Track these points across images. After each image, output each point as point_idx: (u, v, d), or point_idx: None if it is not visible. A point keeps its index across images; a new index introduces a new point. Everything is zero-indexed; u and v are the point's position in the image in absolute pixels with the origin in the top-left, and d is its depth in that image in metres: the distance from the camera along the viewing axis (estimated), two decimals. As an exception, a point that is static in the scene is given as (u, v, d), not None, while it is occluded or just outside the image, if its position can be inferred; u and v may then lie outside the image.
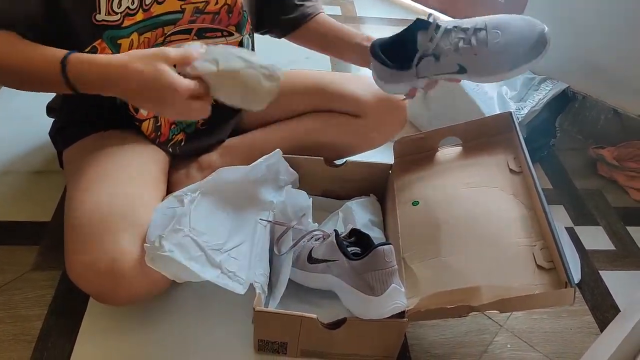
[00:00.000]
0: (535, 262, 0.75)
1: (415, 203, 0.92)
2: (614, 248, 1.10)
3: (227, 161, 1.00)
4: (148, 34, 0.81)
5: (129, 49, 0.79)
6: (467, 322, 0.91)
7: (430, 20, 0.80)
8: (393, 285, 0.74)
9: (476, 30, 0.78)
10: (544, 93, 1.24)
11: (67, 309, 0.87)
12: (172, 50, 0.69)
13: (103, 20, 0.74)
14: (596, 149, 1.31)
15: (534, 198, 0.82)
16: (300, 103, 1.03)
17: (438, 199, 0.90)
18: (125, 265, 0.71)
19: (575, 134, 1.41)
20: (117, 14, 0.75)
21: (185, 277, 0.75)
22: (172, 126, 0.94)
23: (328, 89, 1.02)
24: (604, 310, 0.96)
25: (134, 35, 0.78)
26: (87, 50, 0.75)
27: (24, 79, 0.73)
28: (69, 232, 0.75)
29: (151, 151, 0.91)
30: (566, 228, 1.13)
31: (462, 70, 0.80)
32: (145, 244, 0.72)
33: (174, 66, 0.69)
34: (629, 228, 1.15)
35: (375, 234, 0.95)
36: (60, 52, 0.69)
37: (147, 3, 0.78)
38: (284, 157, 0.97)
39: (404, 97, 0.90)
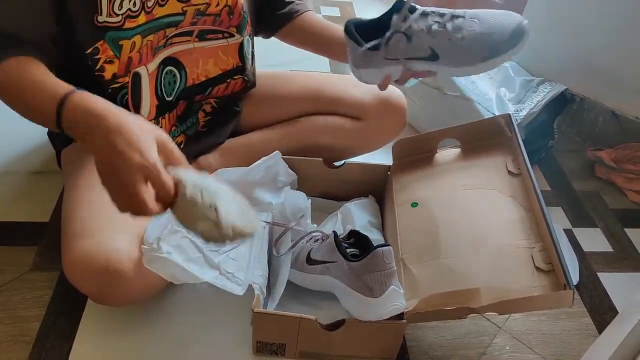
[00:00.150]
0: (534, 264, 0.75)
1: (414, 204, 0.92)
2: (612, 250, 1.10)
3: (225, 162, 1.00)
4: (151, 37, 0.81)
5: (130, 51, 0.79)
6: (466, 324, 0.91)
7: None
8: (392, 286, 0.74)
9: (453, 16, 0.77)
10: (543, 95, 1.24)
11: (66, 309, 0.87)
12: (170, 141, 0.63)
13: (105, 21, 0.74)
14: (594, 151, 1.31)
15: (532, 200, 0.82)
16: (300, 105, 1.03)
17: (437, 201, 0.90)
18: (123, 267, 0.71)
19: (573, 136, 1.41)
20: (118, 15, 0.75)
21: (183, 278, 0.75)
22: (173, 128, 0.94)
23: (328, 92, 1.02)
24: (602, 312, 0.97)
25: (137, 38, 0.78)
26: (89, 51, 0.75)
27: (27, 112, 0.70)
28: (66, 233, 0.75)
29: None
30: (564, 230, 1.13)
31: (434, 57, 0.78)
32: (142, 246, 0.72)
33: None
34: (627, 230, 1.15)
35: (374, 236, 0.95)
36: (62, 88, 0.65)
37: (149, 5, 0.78)
38: (282, 159, 0.97)
39: (379, 88, 0.87)
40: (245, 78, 0.99)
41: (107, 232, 0.73)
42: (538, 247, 0.76)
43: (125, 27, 0.76)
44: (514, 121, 0.92)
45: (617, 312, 0.96)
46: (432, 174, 0.96)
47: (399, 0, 0.78)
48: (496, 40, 0.74)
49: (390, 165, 1.01)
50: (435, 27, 0.76)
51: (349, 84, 1.02)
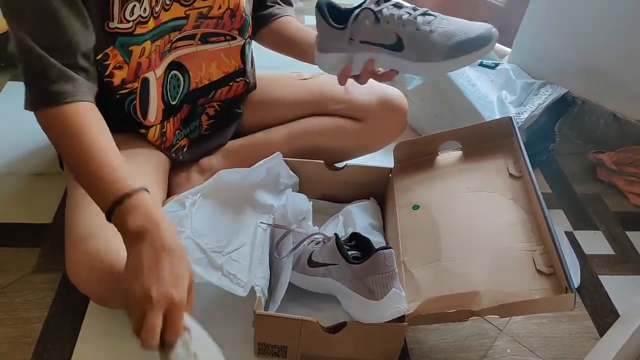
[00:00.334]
0: (535, 267, 0.75)
1: (415, 207, 0.92)
2: (613, 253, 1.10)
3: (227, 164, 1.00)
4: (158, 42, 0.82)
5: (140, 56, 0.79)
6: (467, 327, 0.91)
7: None
8: (393, 289, 0.75)
9: (426, 13, 0.77)
10: (544, 97, 1.24)
11: (68, 311, 0.87)
12: (192, 286, 0.63)
13: (116, 27, 0.74)
14: (595, 154, 1.31)
15: (533, 203, 0.82)
16: (301, 107, 1.03)
17: (438, 203, 0.90)
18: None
19: (574, 139, 1.41)
20: (129, 21, 0.75)
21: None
22: (177, 132, 0.94)
23: (329, 94, 1.02)
24: (603, 315, 0.97)
25: (147, 43, 0.79)
26: (99, 57, 0.75)
27: (81, 172, 0.69)
28: (69, 235, 0.75)
29: (152, 154, 0.91)
30: (565, 232, 1.13)
31: (399, 46, 0.77)
32: None
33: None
34: (628, 233, 1.15)
35: (376, 238, 0.95)
36: (123, 187, 0.64)
37: (156, 10, 0.78)
38: (284, 161, 0.97)
39: (339, 79, 0.85)
40: (247, 80, 0.99)
41: (112, 234, 0.72)
42: (539, 250, 0.77)
43: (136, 32, 0.76)
44: (515, 124, 0.92)
45: (619, 315, 0.96)
46: (434, 176, 0.96)
47: None
48: (462, 39, 0.75)
49: (391, 168, 1.01)
50: (405, 16, 0.76)
51: (350, 85, 1.03)
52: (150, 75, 0.83)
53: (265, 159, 0.95)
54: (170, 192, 0.96)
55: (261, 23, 0.97)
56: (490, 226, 0.83)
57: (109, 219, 0.64)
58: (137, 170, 0.84)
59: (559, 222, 1.16)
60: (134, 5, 0.74)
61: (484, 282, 0.75)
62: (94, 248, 0.72)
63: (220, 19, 0.87)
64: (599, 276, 1.04)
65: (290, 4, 1.00)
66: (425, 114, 1.30)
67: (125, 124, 0.86)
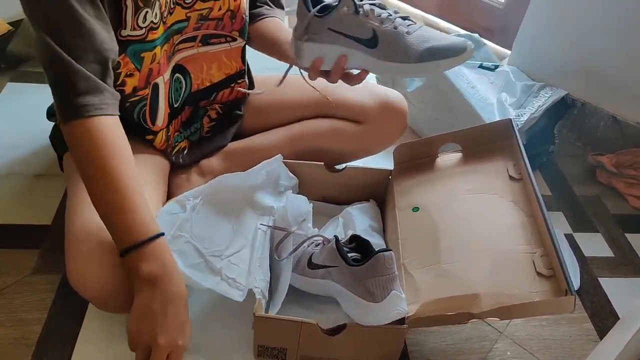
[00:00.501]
0: (535, 270, 0.75)
1: (415, 209, 0.92)
2: (613, 255, 1.10)
3: (227, 166, 1.00)
4: (166, 46, 0.82)
5: (151, 62, 0.79)
6: (467, 329, 0.91)
7: None
8: (393, 291, 0.75)
9: (406, 18, 0.78)
10: (544, 100, 1.24)
11: (68, 312, 0.87)
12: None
13: (128, 35, 0.74)
14: (595, 156, 1.31)
15: (533, 205, 0.82)
16: (301, 109, 1.03)
17: (438, 205, 0.90)
18: (125, 273, 0.71)
19: (574, 141, 1.41)
20: (141, 28, 0.75)
21: (185, 283, 0.75)
22: (176, 134, 0.94)
23: (329, 95, 1.02)
24: (603, 317, 0.97)
25: (157, 49, 0.79)
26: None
27: (99, 201, 0.70)
28: (70, 238, 0.75)
29: (152, 155, 0.91)
30: (565, 235, 1.13)
31: (373, 42, 0.77)
32: None
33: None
34: (627, 235, 1.15)
35: (375, 240, 0.95)
36: (143, 233, 0.67)
37: (165, 16, 0.78)
38: (284, 162, 0.97)
39: (312, 73, 0.82)
40: (247, 81, 0.99)
41: (111, 238, 0.73)
42: (539, 252, 0.77)
43: (147, 39, 0.76)
44: (515, 126, 0.92)
45: (618, 318, 0.96)
46: (433, 178, 0.96)
47: None
48: (435, 45, 0.76)
49: (391, 170, 1.01)
50: (384, 15, 0.77)
51: (350, 88, 1.03)
52: (159, 80, 0.83)
53: (266, 161, 0.95)
54: (170, 193, 0.96)
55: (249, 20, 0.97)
56: (490, 228, 0.83)
57: (121, 255, 0.68)
58: (137, 174, 0.84)
59: (559, 224, 1.16)
60: (147, 12, 0.74)
61: (484, 285, 0.75)
62: (94, 251, 0.71)
63: (220, 20, 0.87)
64: (599, 278, 1.04)
65: (281, 7, 1.00)
66: (425, 116, 1.31)
67: (132, 131, 0.85)
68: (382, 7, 0.78)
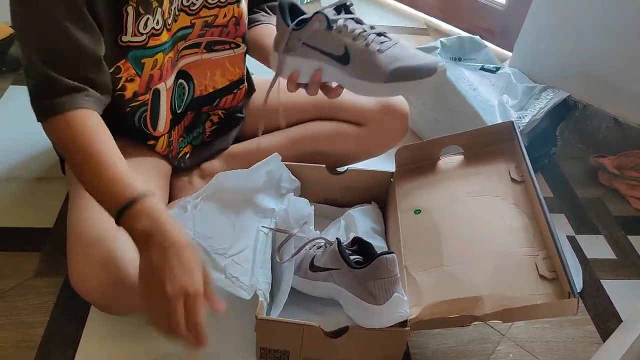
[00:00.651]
0: (538, 272, 0.75)
1: (417, 211, 0.92)
2: (615, 257, 1.10)
3: (229, 168, 1.00)
4: (170, 53, 0.82)
5: (152, 68, 0.79)
6: (470, 331, 0.91)
7: (348, 3, 0.77)
8: (396, 294, 0.74)
9: (381, 34, 0.76)
10: (545, 102, 1.24)
11: (70, 315, 0.87)
12: (207, 277, 0.66)
13: (128, 41, 0.74)
14: (597, 158, 1.31)
15: (535, 207, 0.82)
16: (302, 111, 1.03)
17: (440, 208, 0.90)
18: (128, 276, 0.71)
19: (576, 143, 1.41)
20: (142, 34, 0.75)
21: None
22: (180, 139, 0.94)
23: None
24: (605, 319, 0.96)
25: (159, 55, 0.79)
26: (111, 70, 0.75)
27: (85, 180, 0.70)
28: (72, 241, 0.75)
29: (153, 158, 0.91)
30: (567, 237, 1.13)
31: (345, 59, 0.76)
32: None
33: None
34: (630, 237, 1.15)
35: (377, 242, 0.95)
36: (129, 193, 0.66)
37: (169, 23, 0.78)
38: (285, 165, 0.97)
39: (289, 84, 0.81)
40: (247, 85, 0.99)
41: (115, 241, 0.73)
42: (542, 254, 0.76)
43: (148, 45, 0.76)
44: (516, 128, 0.92)
45: (621, 320, 0.96)
46: (435, 181, 0.96)
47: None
48: (404, 65, 0.73)
49: (393, 172, 1.01)
50: (358, 31, 0.75)
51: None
52: (161, 86, 0.83)
53: (264, 160, 0.95)
54: (172, 197, 0.96)
55: None
56: (492, 231, 0.83)
57: (117, 222, 0.66)
58: (139, 177, 0.84)
59: (561, 226, 1.16)
60: (148, 19, 0.74)
61: (487, 287, 0.75)
62: (98, 257, 0.72)
63: (225, 27, 0.87)
64: (601, 280, 1.04)
65: None
66: (426, 118, 1.31)
67: (133, 136, 0.86)
68: (359, 22, 0.76)
